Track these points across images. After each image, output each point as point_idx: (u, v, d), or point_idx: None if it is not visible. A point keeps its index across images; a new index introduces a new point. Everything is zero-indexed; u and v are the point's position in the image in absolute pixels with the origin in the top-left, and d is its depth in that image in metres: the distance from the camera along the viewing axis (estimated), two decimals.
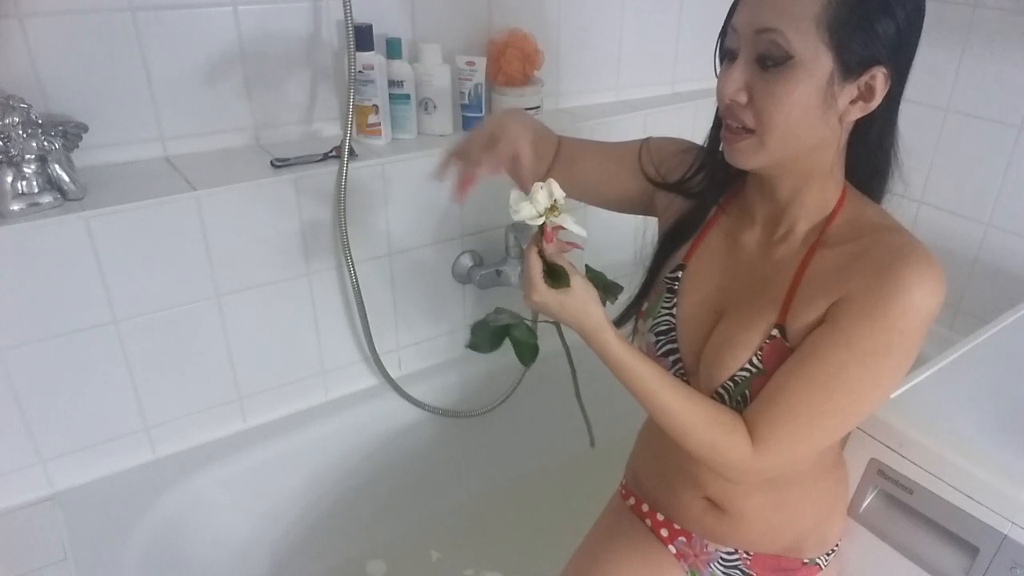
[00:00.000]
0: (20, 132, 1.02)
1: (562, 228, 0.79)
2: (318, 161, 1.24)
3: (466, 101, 1.42)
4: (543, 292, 0.79)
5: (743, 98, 0.74)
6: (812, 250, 0.80)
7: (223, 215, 1.16)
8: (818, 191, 0.81)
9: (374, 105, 1.30)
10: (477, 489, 1.67)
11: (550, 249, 0.80)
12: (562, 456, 1.68)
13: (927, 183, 1.60)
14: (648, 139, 1.00)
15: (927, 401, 0.97)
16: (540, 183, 0.77)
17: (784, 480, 0.88)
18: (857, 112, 0.74)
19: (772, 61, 0.71)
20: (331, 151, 1.26)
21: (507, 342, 0.99)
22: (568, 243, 0.82)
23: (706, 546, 0.97)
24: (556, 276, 0.80)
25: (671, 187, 0.94)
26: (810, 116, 0.73)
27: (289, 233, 1.24)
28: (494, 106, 1.46)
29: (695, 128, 0.97)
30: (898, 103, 0.77)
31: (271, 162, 1.22)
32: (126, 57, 1.13)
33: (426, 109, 1.38)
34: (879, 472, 0.96)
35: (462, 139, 0.94)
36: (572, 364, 0.95)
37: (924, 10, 0.73)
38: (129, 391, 1.19)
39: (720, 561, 0.97)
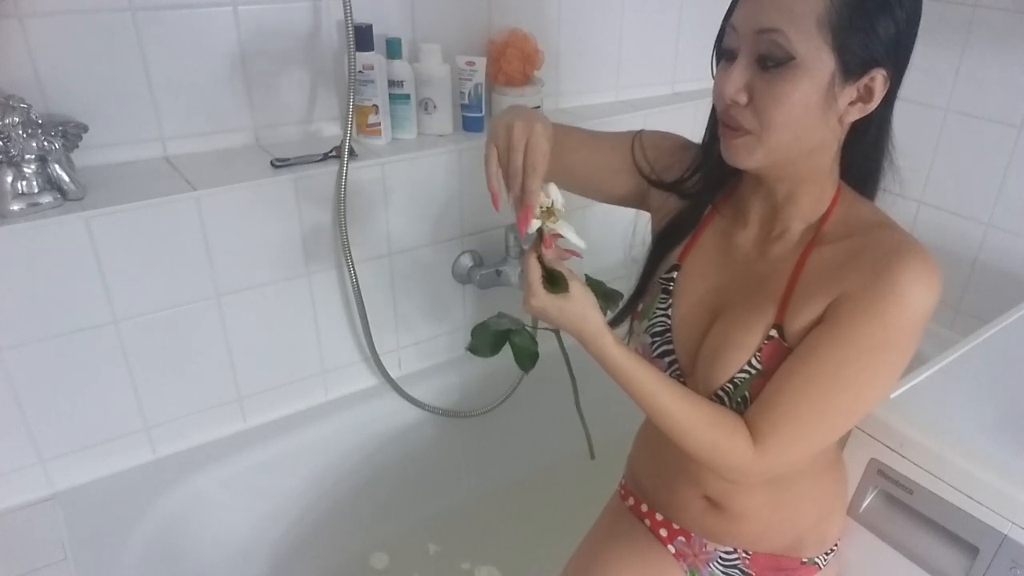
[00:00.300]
0: (20, 132, 1.02)
1: (560, 236, 0.79)
2: (318, 161, 1.24)
3: (466, 101, 1.42)
4: (542, 297, 0.79)
5: (743, 99, 0.74)
6: (808, 249, 0.80)
7: (223, 215, 1.16)
8: (814, 191, 0.81)
9: (374, 105, 1.30)
10: (477, 489, 1.67)
11: (549, 255, 0.80)
12: (562, 456, 1.67)
13: (927, 183, 1.60)
14: (641, 132, 0.98)
15: (927, 401, 0.97)
16: (548, 186, 0.77)
17: (783, 479, 0.88)
18: (856, 113, 0.74)
19: (773, 61, 0.71)
20: (331, 151, 1.26)
21: (507, 346, 0.99)
22: (567, 251, 0.81)
23: (705, 546, 0.97)
24: (555, 282, 0.79)
25: (666, 187, 0.94)
26: (811, 117, 0.73)
27: (289, 233, 1.24)
28: (494, 106, 1.46)
29: (695, 128, 0.97)
30: (893, 104, 0.77)
31: (271, 162, 1.22)
32: (126, 57, 1.13)
33: (426, 109, 1.38)
34: (879, 472, 0.96)
35: (497, 142, 0.82)
36: (572, 373, 0.95)
37: (921, 10, 0.73)
38: (129, 391, 1.19)
39: (719, 560, 0.97)
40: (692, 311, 0.88)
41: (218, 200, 1.15)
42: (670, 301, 0.90)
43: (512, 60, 1.40)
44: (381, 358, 1.41)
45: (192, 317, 1.20)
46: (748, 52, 0.73)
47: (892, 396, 0.97)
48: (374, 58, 1.26)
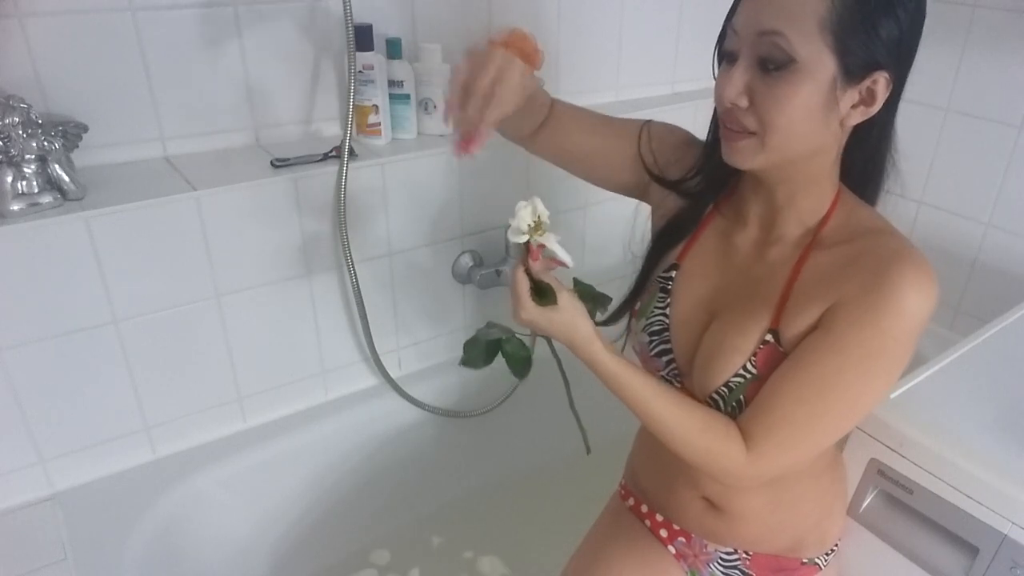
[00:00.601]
0: (20, 132, 1.02)
1: (544, 247, 0.79)
2: (318, 161, 1.24)
3: None
4: (531, 310, 0.79)
5: (744, 102, 0.73)
6: (805, 253, 0.80)
7: (223, 215, 1.16)
8: (814, 194, 0.80)
9: (374, 105, 1.30)
10: (477, 489, 1.67)
11: (536, 267, 0.80)
12: (561, 456, 1.67)
13: (927, 183, 1.60)
14: (649, 122, 0.97)
15: (927, 401, 0.97)
16: (524, 201, 0.77)
17: (782, 481, 0.88)
18: (858, 116, 0.74)
19: (774, 64, 0.71)
20: (331, 151, 1.26)
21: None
22: (554, 261, 0.81)
23: (705, 546, 0.97)
24: (543, 293, 0.80)
25: (669, 185, 0.94)
26: (812, 120, 0.72)
27: (289, 233, 1.24)
28: None
29: (695, 128, 0.97)
30: (896, 107, 0.77)
31: (271, 162, 1.22)
32: (126, 57, 1.13)
33: (426, 109, 1.38)
34: (879, 472, 0.96)
35: (464, 75, 0.81)
36: (564, 376, 0.95)
37: (925, 13, 0.73)
38: (129, 391, 1.19)
39: (719, 561, 0.97)
40: (690, 311, 0.88)
41: (218, 200, 1.15)
42: (668, 300, 0.90)
43: None
44: (381, 358, 1.41)
45: (192, 317, 1.20)
46: (749, 54, 0.72)
47: (892, 396, 0.98)
48: (374, 58, 1.26)
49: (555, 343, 0.84)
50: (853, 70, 0.70)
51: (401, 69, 1.31)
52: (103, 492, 1.19)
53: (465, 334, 1.56)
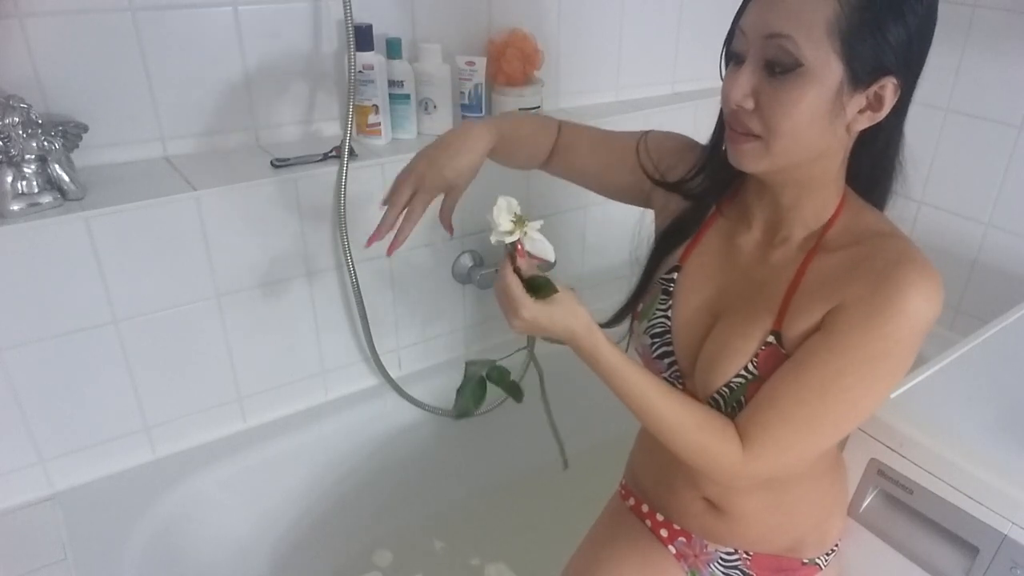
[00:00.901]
0: (20, 132, 1.02)
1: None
2: (318, 161, 1.24)
3: (466, 101, 1.42)
4: (531, 307, 0.77)
5: (750, 104, 0.73)
6: (809, 256, 0.80)
7: (223, 215, 1.16)
8: (819, 198, 0.80)
9: (374, 105, 1.30)
10: (477, 488, 1.67)
11: (524, 265, 0.79)
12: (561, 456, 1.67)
13: (927, 183, 1.60)
14: (647, 133, 0.99)
15: (927, 401, 0.97)
16: (495, 206, 0.77)
17: (782, 481, 0.88)
18: (865, 121, 0.73)
19: (781, 67, 0.70)
20: (331, 151, 1.26)
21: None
22: (537, 257, 0.80)
23: (706, 546, 0.97)
24: (539, 287, 0.78)
25: (670, 187, 0.94)
26: (818, 125, 0.72)
27: (289, 233, 1.24)
28: (494, 106, 1.46)
29: (695, 128, 0.97)
30: (905, 113, 0.76)
31: (271, 162, 1.22)
32: (126, 57, 1.13)
33: (426, 109, 1.38)
34: (879, 472, 0.96)
35: (395, 188, 0.96)
36: (544, 390, 0.95)
37: (936, 18, 0.72)
38: (129, 391, 1.19)
39: (720, 561, 0.97)
40: (693, 313, 0.88)
41: (218, 200, 1.15)
42: (670, 302, 0.90)
43: (512, 60, 1.40)
44: (381, 358, 1.41)
45: (192, 317, 1.20)
46: (756, 56, 0.72)
47: (892, 396, 0.97)
48: (374, 58, 1.26)
49: (547, 347, 0.84)
50: (860, 75, 0.70)
51: (401, 69, 1.31)
52: (103, 492, 1.19)
53: (465, 334, 1.56)
